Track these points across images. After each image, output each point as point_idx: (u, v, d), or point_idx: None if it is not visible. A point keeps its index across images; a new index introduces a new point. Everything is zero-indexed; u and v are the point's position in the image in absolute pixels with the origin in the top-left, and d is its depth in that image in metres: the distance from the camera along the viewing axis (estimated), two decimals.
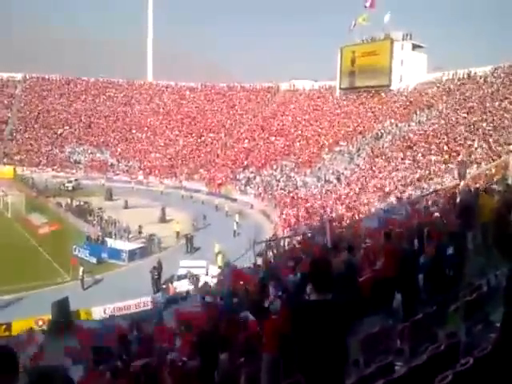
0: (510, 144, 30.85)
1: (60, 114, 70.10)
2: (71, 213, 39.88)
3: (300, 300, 3.88)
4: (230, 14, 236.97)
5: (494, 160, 29.56)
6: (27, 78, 75.77)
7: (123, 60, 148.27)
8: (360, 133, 47.08)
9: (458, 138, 35.61)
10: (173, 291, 23.46)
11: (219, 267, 25.82)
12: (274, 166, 49.75)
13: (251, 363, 5.98)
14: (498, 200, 6.97)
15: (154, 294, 23.90)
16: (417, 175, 33.35)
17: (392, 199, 30.59)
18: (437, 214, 14.83)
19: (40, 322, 20.33)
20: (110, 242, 31.54)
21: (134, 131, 68.12)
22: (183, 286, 23.67)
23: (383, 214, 23.57)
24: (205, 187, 52.18)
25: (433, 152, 35.40)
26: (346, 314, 3.30)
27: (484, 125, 35.47)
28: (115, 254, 30.00)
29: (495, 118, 35.75)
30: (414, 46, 54.13)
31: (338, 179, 40.27)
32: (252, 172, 51.06)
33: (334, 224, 25.18)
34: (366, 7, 54.84)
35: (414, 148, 37.66)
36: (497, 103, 37.91)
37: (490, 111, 37.17)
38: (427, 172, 33.00)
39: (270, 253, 23.87)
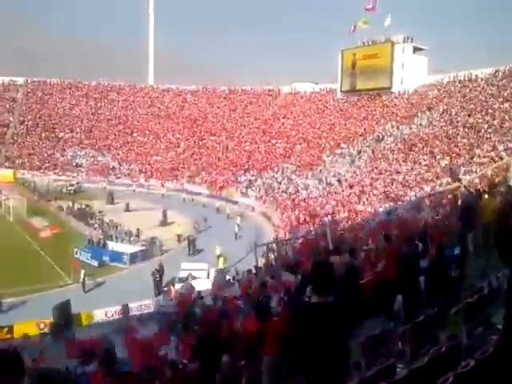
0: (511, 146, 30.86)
1: (61, 118, 70.25)
2: (73, 216, 39.93)
3: (301, 302, 3.88)
4: (232, 16, 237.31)
5: (495, 162, 29.54)
6: (29, 81, 75.97)
7: (124, 64, 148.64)
8: (361, 135, 47.09)
9: (459, 140, 35.61)
10: (174, 294, 23.45)
11: (220, 270, 25.84)
12: (276, 169, 49.76)
13: (252, 365, 5.97)
14: (500, 201, 6.96)
15: (155, 297, 23.90)
16: (418, 177, 33.33)
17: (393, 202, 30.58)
18: (438, 216, 14.82)
19: (42, 325, 20.33)
20: (112, 245, 31.55)
21: (135, 134, 68.20)
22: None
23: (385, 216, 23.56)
24: (206, 190, 52.19)
25: (434, 154, 35.39)
26: (347, 317, 3.30)
27: (485, 127, 35.46)
28: (117, 256, 30.01)
29: (496, 119, 35.75)
30: (415, 49, 54.20)
31: (339, 182, 40.24)
32: (253, 175, 51.07)
33: (335, 226, 25.20)
34: (367, 10, 54.94)
35: (416, 150, 37.64)
36: (498, 105, 37.91)
37: (491, 113, 37.17)
38: (429, 174, 32.98)
39: (271, 255, 23.85)
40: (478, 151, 32.72)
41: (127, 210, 42.79)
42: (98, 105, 73.85)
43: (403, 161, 37.12)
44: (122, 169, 62.11)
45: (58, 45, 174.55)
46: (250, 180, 50.32)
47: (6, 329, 19.65)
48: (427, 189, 30.51)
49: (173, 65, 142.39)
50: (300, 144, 52.62)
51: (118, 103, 74.59)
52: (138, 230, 34.12)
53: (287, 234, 31.70)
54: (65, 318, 19.79)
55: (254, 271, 19.67)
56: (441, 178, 31.28)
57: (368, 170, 39.25)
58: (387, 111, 49.83)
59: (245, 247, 26.96)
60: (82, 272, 25.39)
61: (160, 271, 25.09)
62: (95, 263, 29.15)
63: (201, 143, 63.32)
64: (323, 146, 49.40)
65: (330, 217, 31.87)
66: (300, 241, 25.39)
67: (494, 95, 40.20)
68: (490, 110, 37.69)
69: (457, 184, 23.85)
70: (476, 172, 28.72)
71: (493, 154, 31.23)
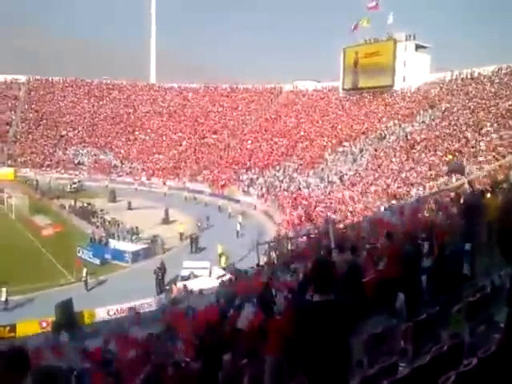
0: None
1: (63, 116, 70.31)
2: (75, 214, 40.00)
3: (303, 301, 3.88)
4: (234, 14, 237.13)
5: (497, 160, 29.48)
6: (31, 80, 76.05)
7: (126, 62, 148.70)
8: (363, 133, 47.01)
9: (462, 138, 35.51)
10: (176, 292, 23.48)
11: (222, 268, 25.86)
12: (277, 167, 49.73)
13: (254, 364, 5.97)
14: (502, 199, 6.94)
15: (157, 295, 23.94)
16: (420, 176, 33.27)
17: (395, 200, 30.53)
18: (441, 215, 14.76)
19: (44, 324, 20.38)
20: (114, 244, 31.61)
21: (137, 133, 68.25)
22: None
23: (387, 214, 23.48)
24: (208, 188, 52.21)
25: (436, 152, 35.31)
26: (350, 315, 3.30)
27: (488, 125, 35.36)
28: (119, 255, 30.07)
29: (499, 118, 35.63)
30: (418, 47, 54.05)
31: (341, 180, 40.20)
32: (255, 173, 51.04)
33: (337, 225, 25.17)
34: (369, 9, 54.78)
35: (418, 148, 37.57)
36: (500, 103, 37.80)
37: (493, 111, 37.07)
38: (431, 172, 32.90)
39: (273, 254, 23.85)
40: (480, 149, 32.63)
41: (129, 208, 42.85)
42: (100, 103, 73.89)
43: (405, 159, 37.05)
44: (123, 167, 62.17)
45: (61, 44, 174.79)
46: (251, 178, 50.30)
47: (8, 327, 19.71)
48: (429, 187, 30.46)
49: (175, 63, 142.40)
50: (302, 142, 52.57)
51: (119, 101, 74.64)
52: (136, 228, 34.23)
53: (289, 232, 31.69)
54: (67, 317, 19.83)
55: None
56: (443, 177, 31.21)
57: (370, 169, 39.20)
58: (389, 109, 49.73)
59: (247, 245, 26.99)
60: (84, 270, 25.46)
61: (162, 269, 25.12)
62: (97, 261, 29.21)
63: (203, 141, 63.31)
64: (325, 144, 49.34)
65: (331, 215, 31.84)
66: (302, 239, 25.38)
67: (497, 93, 40.08)
68: (492, 108, 37.57)
69: (460, 182, 23.83)
70: (478, 170, 28.66)
71: (495, 152, 31.14)
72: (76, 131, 68.03)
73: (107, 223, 36.64)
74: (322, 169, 44.66)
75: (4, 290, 22.38)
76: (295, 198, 40.26)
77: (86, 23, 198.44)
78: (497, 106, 37.67)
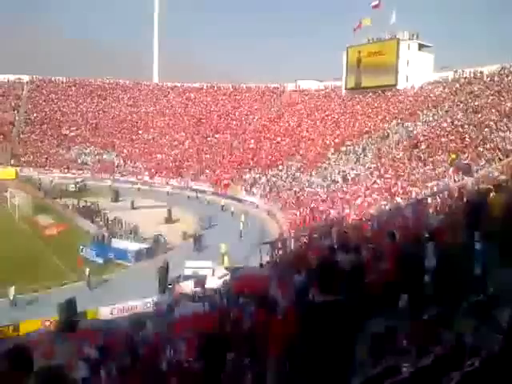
0: None
1: (66, 116, 70.51)
2: (78, 214, 40.09)
3: (307, 301, 3.88)
4: (236, 14, 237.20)
5: (501, 159, 29.36)
6: (34, 79, 76.29)
7: (129, 61, 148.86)
8: (366, 133, 46.93)
9: (465, 137, 35.40)
10: (179, 291, 23.50)
11: (225, 268, 25.84)
12: (280, 167, 49.72)
13: (257, 364, 5.97)
14: (505, 200, 6.93)
15: (160, 294, 23.96)
16: (423, 175, 33.17)
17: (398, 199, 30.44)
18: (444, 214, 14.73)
19: (47, 323, 20.44)
20: (117, 243, 31.66)
21: (140, 132, 68.37)
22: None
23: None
24: (211, 188, 52.24)
25: (440, 152, 35.20)
26: (353, 315, 3.30)
27: (491, 124, 35.23)
28: (122, 254, 30.12)
29: (502, 117, 35.49)
30: (421, 46, 53.94)
31: (344, 179, 40.14)
32: (258, 172, 51.05)
33: (340, 224, 25.12)
34: (373, 8, 54.65)
35: (421, 148, 37.47)
36: (504, 102, 37.66)
37: (497, 110, 36.93)
38: (434, 172, 32.81)
39: (276, 253, 23.81)
40: (483, 149, 32.51)
41: (132, 207, 42.95)
42: (103, 103, 74.06)
43: (408, 158, 36.97)
44: (126, 166, 62.29)
45: (63, 44, 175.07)
46: (254, 178, 50.30)
47: (12, 327, 19.77)
48: (432, 186, 30.37)
49: (177, 63, 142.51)
50: (305, 142, 52.54)
51: (122, 101, 74.80)
52: (136, 227, 34.27)
53: (292, 231, 31.65)
54: (70, 316, 19.88)
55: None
56: (447, 176, 31.13)
57: (373, 168, 39.12)
58: (392, 109, 49.62)
59: (249, 245, 26.99)
60: (87, 269, 25.51)
61: (165, 268, 25.14)
62: (100, 261, 29.29)
63: (205, 141, 63.36)
64: (328, 143, 49.29)
65: (334, 214, 31.79)
66: (305, 239, 25.34)
67: (500, 92, 39.94)
68: (496, 107, 37.44)
69: (463, 182, 23.77)
70: (482, 170, 28.56)
71: (499, 151, 31.02)
72: (79, 131, 68.20)
73: (110, 222, 36.71)
74: (325, 168, 44.63)
75: (12, 288, 22.48)
76: (298, 198, 40.25)
77: (88, 23, 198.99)
78: (500, 105, 37.54)
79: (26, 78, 75.83)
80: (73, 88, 76.26)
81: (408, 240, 8.39)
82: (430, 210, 18.93)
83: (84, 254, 30.08)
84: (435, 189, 27.41)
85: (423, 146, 37.51)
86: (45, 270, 26.33)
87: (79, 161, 63.35)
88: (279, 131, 57.97)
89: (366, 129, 47.71)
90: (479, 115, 37.70)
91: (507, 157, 28.89)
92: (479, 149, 32.84)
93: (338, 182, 40.50)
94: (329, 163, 45.30)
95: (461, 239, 7.25)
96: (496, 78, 43.20)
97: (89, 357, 11.97)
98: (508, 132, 33.06)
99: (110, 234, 33.10)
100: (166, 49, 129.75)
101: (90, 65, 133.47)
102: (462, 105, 41.57)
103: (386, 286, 7.18)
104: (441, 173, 31.98)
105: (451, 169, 30.38)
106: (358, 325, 3.63)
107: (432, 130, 39.60)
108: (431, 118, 42.56)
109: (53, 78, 77.36)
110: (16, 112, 69.80)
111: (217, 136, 63.70)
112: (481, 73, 45.84)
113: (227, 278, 22.11)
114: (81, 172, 60.26)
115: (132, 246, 31.16)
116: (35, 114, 70.02)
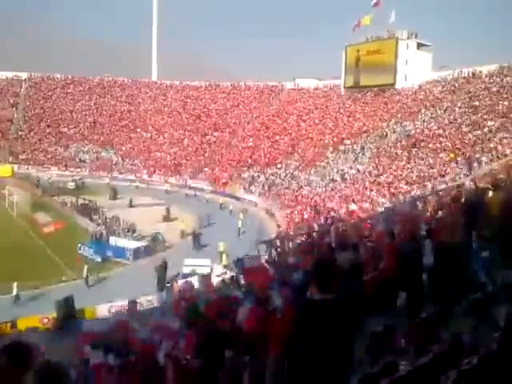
0: None
1: (65, 113, 70.37)
2: (76, 211, 40.03)
3: (305, 299, 3.88)
4: (236, 12, 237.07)
5: (499, 159, 29.44)
6: (32, 76, 76.09)
7: (128, 59, 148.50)
8: (365, 132, 46.97)
9: (464, 136, 35.46)
10: (177, 289, 23.46)
11: (224, 266, 25.82)
12: (279, 165, 49.75)
13: (256, 362, 5.98)
14: (503, 199, 6.94)
15: (158, 293, 23.93)
16: (422, 174, 33.23)
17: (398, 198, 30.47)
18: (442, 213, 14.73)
19: (45, 320, 20.40)
20: (115, 241, 31.62)
21: (138, 130, 68.29)
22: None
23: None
24: (209, 186, 52.24)
25: (438, 151, 35.26)
26: (351, 313, 3.30)
27: (490, 123, 35.29)
28: (120, 252, 30.10)
29: (501, 116, 35.55)
30: (419, 45, 53.94)
31: (343, 178, 40.18)
32: (256, 171, 51.06)
33: (338, 223, 25.11)
34: (372, 6, 54.61)
35: (419, 147, 37.51)
36: (502, 101, 37.71)
37: (495, 109, 36.98)
38: (432, 171, 32.87)
39: (274, 251, 23.80)
40: (482, 148, 32.57)
41: (130, 205, 42.90)
42: (102, 100, 73.92)
43: (407, 158, 37.02)
44: (125, 164, 62.24)
45: (62, 40, 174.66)
46: (253, 176, 50.32)
47: (9, 324, 19.74)
48: (431, 185, 30.42)
49: (176, 61, 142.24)
50: (303, 140, 52.56)
51: (121, 99, 74.67)
52: (134, 225, 34.21)
53: (290, 230, 31.66)
54: (68, 314, 19.86)
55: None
56: (445, 175, 31.20)
57: (371, 167, 39.17)
58: (391, 108, 49.66)
59: (248, 243, 26.97)
60: (86, 267, 25.50)
61: (163, 267, 25.12)
62: (98, 259, 29.26)
63: (204, 139, 63.32)
64: (327, 142, 49.33)
65: (333, 213, 31.81)
66: (303, 237, 25.35)
67: (499, 92, 39.99)
68: (494, 107, 37.49)
69: (462, 180, 23.80)
70: (481, 169, 28.64)
71: (497, 151, 31.09)
72: (77, 128, 68.09)
73: (108, 220, 36.67)
74: (324, 167, 44.67)
75: (15, 284, 22.47)
76: (296, 196, 40.28)
77: (87, 21, 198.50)
78: (499, 104, 37.59)
79: (24, 75, 75.65)
80: (71, 86, 76.10)
81: (406, 238, 8.39)
82: (429, 209, 18.96)
83: (82, 251, 30.04)
84: (434, 187, 27.48)
85: (421, 146, 37.56)
86: (43, 267, 26.29)
87: (77, 158, 63.26)
88: (278, 130, 57.97)
89: (365, 128, 47.75)
90: (477, 115, 37.75)
91: (505, 156, 28.98)
92: (477, 148, 32.93)
93: (336, 180, 40.55)
94: (327, 162, 45.33)
95: (458, 238, 7.24)
96: (495, 78, 43.23)
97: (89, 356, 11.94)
98: (506, 132, 33.14)
99: (108, 232, 33.08)
100: (164, 47, 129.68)
101: (89, 62, 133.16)
102: (460, 104, 41.61)
103: (384, 285, 7.19)
104: (439, 171, 32.06)
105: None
106: (356, 323, 3.63)
107: (430, 129, 39.63)
108: (429, 118, 42.60)
109: (51, 76, 77.22)
110: (14, 109, 69.67)
111: (215, 134, 63.66)
112: (480, 72, 45.88)
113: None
114: (79, 170, 60.21)
115: (130, 244, 31.13)
116: (33, 112, 69.90)
